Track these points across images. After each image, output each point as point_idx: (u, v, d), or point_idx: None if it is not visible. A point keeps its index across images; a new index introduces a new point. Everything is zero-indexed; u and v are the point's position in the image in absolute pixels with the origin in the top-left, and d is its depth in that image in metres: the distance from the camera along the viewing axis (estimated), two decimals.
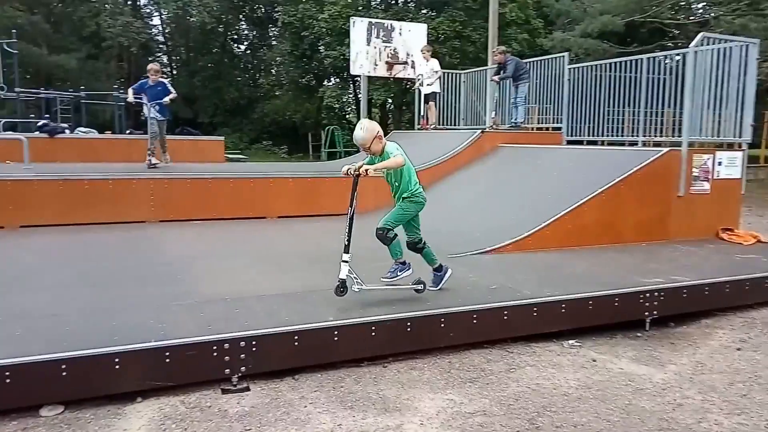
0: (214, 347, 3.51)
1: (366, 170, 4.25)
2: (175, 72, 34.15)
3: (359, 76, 14.92)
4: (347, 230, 4.23)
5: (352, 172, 4.29)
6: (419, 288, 4.48)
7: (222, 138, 13.75)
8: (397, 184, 4.53)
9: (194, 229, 7.49)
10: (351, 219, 4.27)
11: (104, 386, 3.34)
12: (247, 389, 3.53)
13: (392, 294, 4.43)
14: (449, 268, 4.76)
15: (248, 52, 36.06)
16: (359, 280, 4.28)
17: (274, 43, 34.30)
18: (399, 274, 4.51)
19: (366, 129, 4.39)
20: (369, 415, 3.27)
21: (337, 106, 30.08)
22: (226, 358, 3.53)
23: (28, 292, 4.51)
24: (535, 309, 4.40)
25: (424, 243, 4.62)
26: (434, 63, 11.36)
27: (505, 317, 4.30)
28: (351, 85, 29.82)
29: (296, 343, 3.68)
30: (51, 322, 3.79)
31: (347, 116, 32.22)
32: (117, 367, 3.32)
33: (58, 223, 7.30)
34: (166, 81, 9.28)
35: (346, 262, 4.20)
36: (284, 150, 29.06)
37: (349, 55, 13.33)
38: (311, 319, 3.86)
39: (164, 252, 6.16)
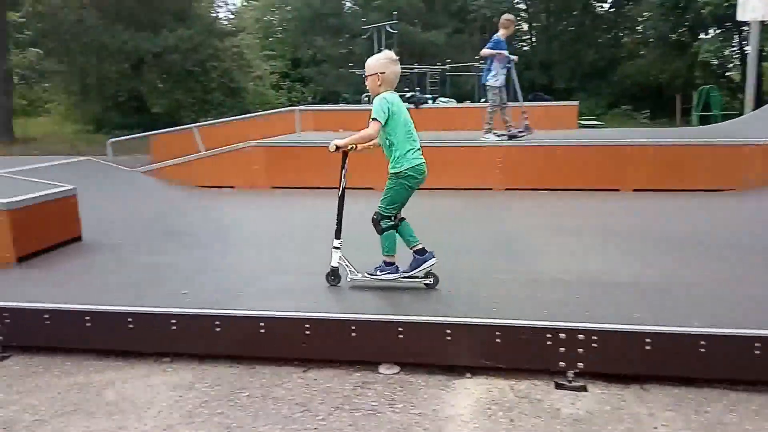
0: (548, 335, 3.14)
1: (336, 145, 3.58)
2: (534, 39, 34.21)
3: (748, 23, 12.30)
4: (337, 213, 3.74)
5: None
6: (429, 282, 3.74)
7: (576, 103, 13.03)
8: (386, 153, 3.66)
9: (540, 199, 7.19)
10: (341, 200, 3.76)
11: (435, 355, 3.30)
12: (584, 389, 3.07)
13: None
14: (434, 255, 3.72)
15: (612, 10, 33.74)
16: (352, 269, 3.79)
17: None
18: (378, 274, 3.77)
19: (373, 58, 3.68)
20: None
21: (716, 62, 25.91)
22: (562, 349, 3.12)
23: (377, 250, 4.80)
24: None
25: (394, 223, 3.70)
26: None
27: None
28: (736, 36, 25.27)
29: (647, 347, 3.04)
30: (390, 283, 3.90)
31: (727, 74, 27.54)
32: (448, 338, 3.24)
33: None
34: None
35: (337, 248, 3.76)
36: (645, 115, 26.46)
37: None
38: (669, 319, 3.16)
39: (506, 221, 6.02)
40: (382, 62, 3.65)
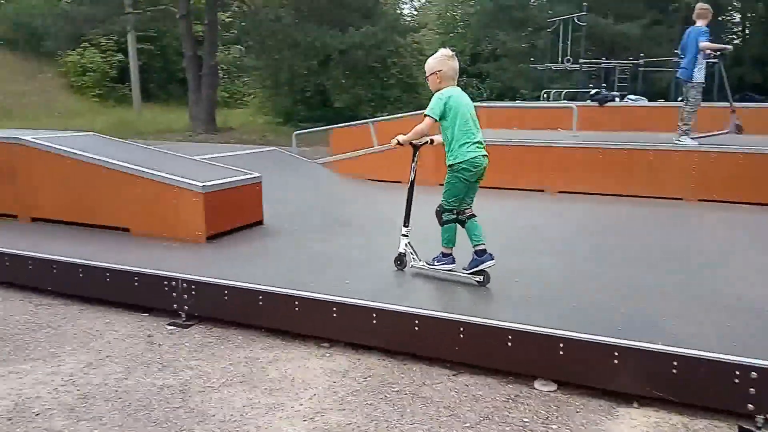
0: (737, 372, 2.73)
1: (398, 141, 3.85)
2: (747, 31, 30.36)
3: None
4: (406, 203, 4.02)
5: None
6: (479, 280, 3.78)
7: None
8: (445, 147, 3.80)
9: (740, 214, 6.33)
10: (410, 191, 4.03)
11: (598, 378, 3.03)
12: None
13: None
14: (493, 257, 3.76)
15: None
16: (415, 257, 4.03)
17: None
18: (435, 264, 3.94)
19: (432, 58, 3.82)
20: None
21: None
22: (752, 390, 2.69)
23: (550, 258, 4.57)
24: None
25: (457, 218, 3.84)
26: None
27: None
28: None
29: None
30: (559, 294, 3.70)
31: None
32: (615, 362, 2.96)
33: (596, 192, 7.34)
34: None
35: (405, 235, 4.03)
36: None
37: None
38: None
39: (697, 237, 5.38)
40: (440, 60, 3.78)
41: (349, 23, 18.66)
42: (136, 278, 4.05)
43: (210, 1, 18.87)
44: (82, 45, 24.13)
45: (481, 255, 3.77)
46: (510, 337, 3.17)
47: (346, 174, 8.33)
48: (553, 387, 3.13)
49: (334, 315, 3.53)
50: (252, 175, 5.46)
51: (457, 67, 3.82)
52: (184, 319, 3.93)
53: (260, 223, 5.47)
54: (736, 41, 29.94)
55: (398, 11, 26.97)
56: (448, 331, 3.29)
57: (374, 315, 3.45)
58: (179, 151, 6.42)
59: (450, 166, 3.79)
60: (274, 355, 3.50)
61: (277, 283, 3.80)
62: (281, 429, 2.75)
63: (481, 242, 3.79)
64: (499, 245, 4.97)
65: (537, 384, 3.17)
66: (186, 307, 3.92)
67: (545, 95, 17.88)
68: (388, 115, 13.82)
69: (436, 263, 3.96)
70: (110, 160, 5.05)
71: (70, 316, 4.04)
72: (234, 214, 5.16)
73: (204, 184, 4.83)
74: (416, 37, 23.98)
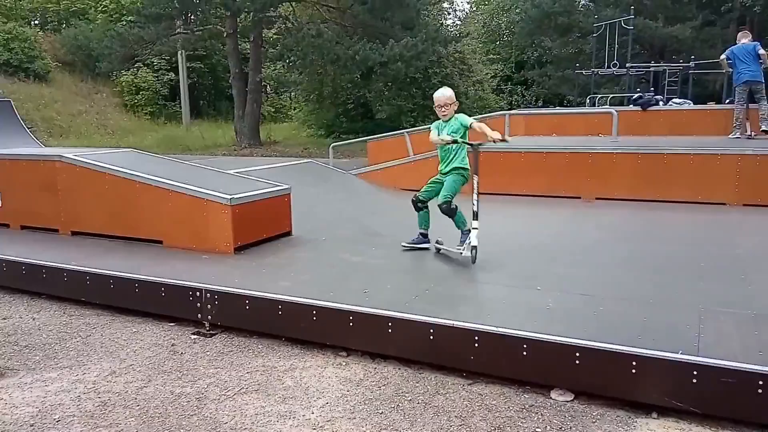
0: (760, 382, 2.60)
1: (495, 139, 4.48)
2: None
3: None
4: (474, 201, 4.59)
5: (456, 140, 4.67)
6: (464, 251, 4.65)
7: None
8: (454, 155, 4.78)
9: None
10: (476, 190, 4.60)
11: (616, 388, 2.95)
12: None
13: None
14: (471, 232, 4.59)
15: None
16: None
17: None
18: (415, 243, 5.06)
19: (446, 90, 4.88)
20: None
21: None
22: None
23: (576, 266, 4.48)
24: None
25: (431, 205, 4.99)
26: None
27: None
28: None
29: None
30: (581, 302, 3.62)
31: None
32: (633, 371, 2.87)
33: (632, 198, 7.15)
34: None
35: (476, 228, 4.58)
36: None
37: None
38: None
39: (736, 243, 5.15)
40: (450, 93, 4.85)
41: (390, 36, 18.77)
42: (162, 289, 4.17)
43: (256, 20, 19.35)
44: (135, 65, 25.14)
45: (465, 234, 4.74)
46: (525, 346, 3.11)
47: (381, 184, 8.37)
48: (570, 397, 3.06)
49: (351, 324, 3.55)
50: (281, 187, 5.55)
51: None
52: (207, 328, 4.02)
53: (289, 234, 5.55)
54: None
55: (440, 22, 26.96)
56: (462, 340, 3.26)
57: (389, 324, 3.44)
58: (222, 166, 6.58)
59: (455, 168, 4.80)
60: (291, 363, 3.53)
61: (299, 293, 3.84)
62: None
63: (462, 226, 4.81)
64: (520, 253, 4.92)
65: (553, 394, 3.10)
66: (210, 317, 4.01)
67: (591, 101, 17.52)
68: (429, 125, 13.84)
69: (464, 242, 4.71)
70: (143, 175, 5.24)
71: (100, 326, 4.19)
72: (262, 226, 5.25)
73: (232, 196, 4.94)
74: (459, 47, 23.87)
